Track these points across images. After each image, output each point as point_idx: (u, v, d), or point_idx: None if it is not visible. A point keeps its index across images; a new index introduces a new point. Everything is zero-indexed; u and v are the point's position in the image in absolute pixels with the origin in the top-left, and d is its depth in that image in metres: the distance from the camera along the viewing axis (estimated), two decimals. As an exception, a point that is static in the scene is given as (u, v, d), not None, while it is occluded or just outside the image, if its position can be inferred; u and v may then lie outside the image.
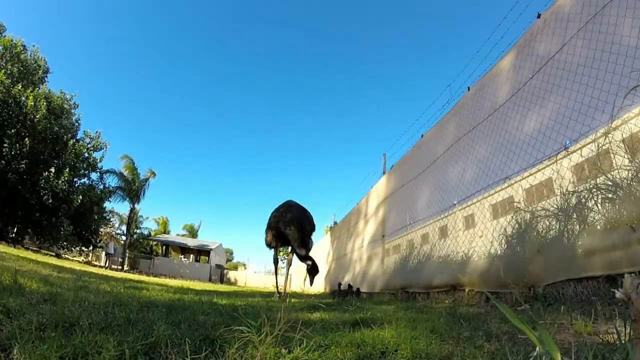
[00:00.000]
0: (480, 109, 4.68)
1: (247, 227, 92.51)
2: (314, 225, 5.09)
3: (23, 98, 13.58)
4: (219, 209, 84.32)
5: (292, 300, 4.37)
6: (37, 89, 14.83)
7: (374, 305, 3.56)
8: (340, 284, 5.61)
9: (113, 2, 75.91)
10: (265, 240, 5.16)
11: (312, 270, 4.43)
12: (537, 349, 0.61)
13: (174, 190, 76.11)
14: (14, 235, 16.32)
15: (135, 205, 23.87)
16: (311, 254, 4.72)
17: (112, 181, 21.33)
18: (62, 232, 15.11)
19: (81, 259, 22.49)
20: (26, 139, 13.40)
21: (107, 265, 18.09)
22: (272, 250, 5.27)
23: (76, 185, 16.35)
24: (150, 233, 33.85)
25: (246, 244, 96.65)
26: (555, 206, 3.01)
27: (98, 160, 17.49)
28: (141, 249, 32.13)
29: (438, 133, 5.91)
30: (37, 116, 13.72)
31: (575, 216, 2.73)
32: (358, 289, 5.29)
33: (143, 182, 23.57)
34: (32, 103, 13.58)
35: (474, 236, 4.12)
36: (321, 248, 14.91)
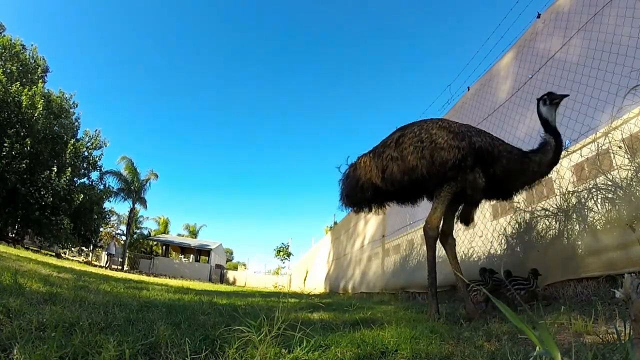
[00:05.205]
0: (480, 108, 4.68)
1: (247, 227, 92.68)
2: None
3: (22, 97, 13.57)
4: (219, 209, 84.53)
5: (292, 300, 4.23)
6: (34, 87, 14.82)
7: (374, 305, 3.56)
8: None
9: (112, 2, 76.01)
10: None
11: None
12: (537, 348, 0.61)
13: (175, 190, 76.32)
14: (14, 235, 16.33)
15: (136, 206, 23.90)
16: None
17: (112, 182, 21.37)
18: (62, 230, 15.12)
19: (81, 259, 22.49)
20: (27, 138, 13.40)
21: (107, 265, 18.10)
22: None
23: (76, 184, 16.38)
24: (150, 233, 33.85)
25: (246, 244, 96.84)
26: (555, 206, 3.01)
27: (97, 158, 17.53)
28: (141, 249, 32.12)
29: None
30: (35, 114, 13.70)
31: (575, 216, 2.73)
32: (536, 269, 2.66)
33: (144, 182, 23.58)
34: (29, 102, 13.54)
35: (474, 236, 4.11)
36: (322, 248, 14.90)
